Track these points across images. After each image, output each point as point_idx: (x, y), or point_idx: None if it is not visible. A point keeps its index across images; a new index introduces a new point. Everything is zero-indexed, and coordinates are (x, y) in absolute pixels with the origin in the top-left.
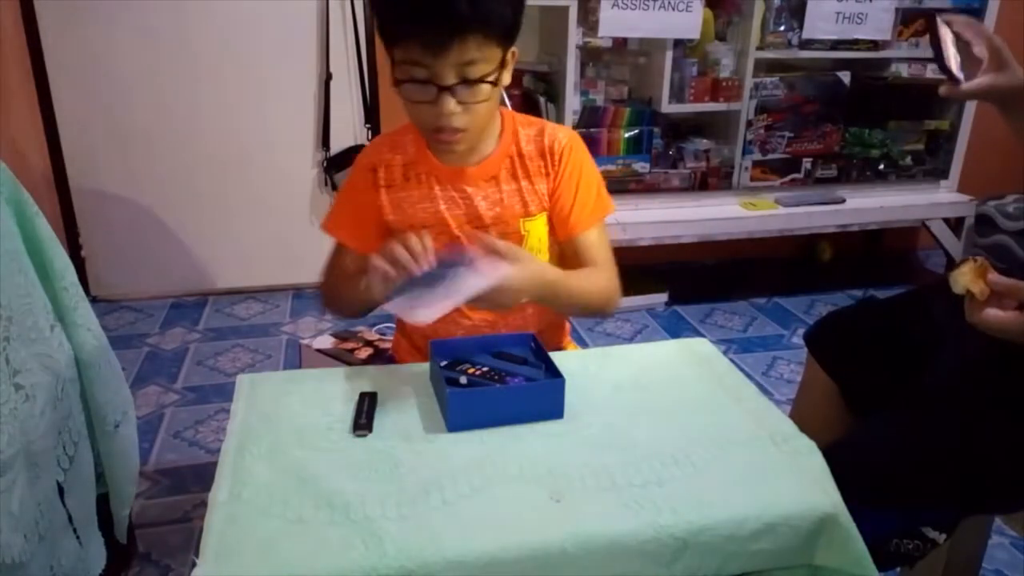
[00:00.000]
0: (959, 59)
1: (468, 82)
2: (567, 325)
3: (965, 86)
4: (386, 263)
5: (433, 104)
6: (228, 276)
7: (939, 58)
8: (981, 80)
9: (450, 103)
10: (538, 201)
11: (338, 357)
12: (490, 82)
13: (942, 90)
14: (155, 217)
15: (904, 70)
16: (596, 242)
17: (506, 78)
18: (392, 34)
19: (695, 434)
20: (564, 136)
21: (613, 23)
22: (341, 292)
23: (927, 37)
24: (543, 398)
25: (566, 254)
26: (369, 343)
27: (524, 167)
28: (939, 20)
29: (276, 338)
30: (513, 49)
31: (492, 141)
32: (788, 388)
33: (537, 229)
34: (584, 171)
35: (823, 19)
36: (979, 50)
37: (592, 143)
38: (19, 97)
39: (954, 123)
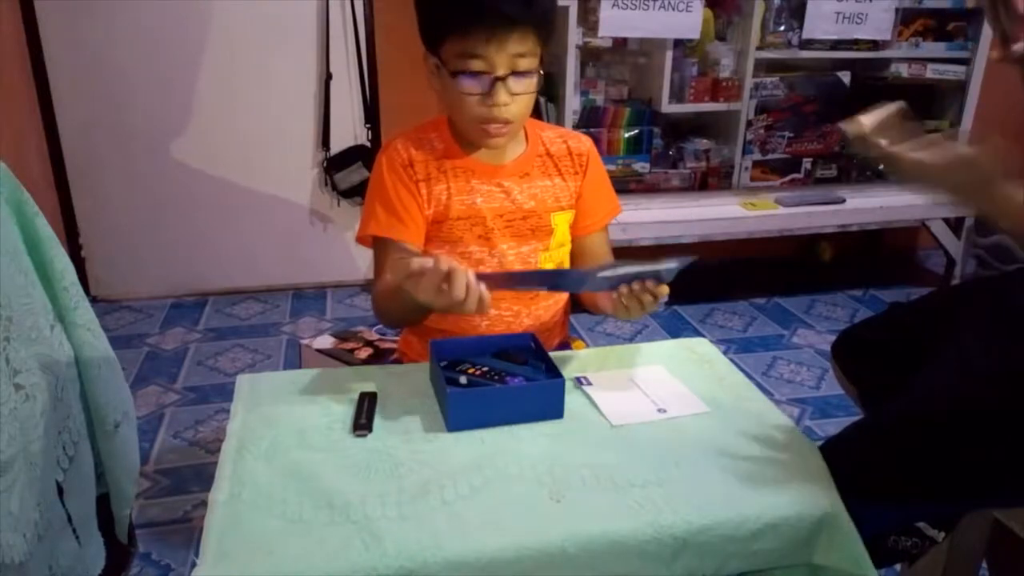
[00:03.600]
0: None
1: (518, 73)
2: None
3: (1016, 47)
4: (439, 276)
5: (486, 95)
6: (228, 276)
7: (991, 19)
8: None
9: (503, 93)
10: (568, 197)
11: (338, 357)
12: (537, 72)
13: (993, 54)
14: (155, 217)
15: (904, 70)
16: (606, 239)
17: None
18: (451, 26)
19: (695, 434)
20: (586, 141)
21: (613, 23)
22: (393, 302)
23: (927, 37)
24: (543, 398)
25: (573, 248)
26: (369, 343)
27: (555, 165)
28: None
29: (276, 338)
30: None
31: (521, 141)
32: (788, 388)
33: (564, 223)
34: (604, 176)
35: (823, 19)
36: None
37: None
38: (19, 97)
39: (954, 123)
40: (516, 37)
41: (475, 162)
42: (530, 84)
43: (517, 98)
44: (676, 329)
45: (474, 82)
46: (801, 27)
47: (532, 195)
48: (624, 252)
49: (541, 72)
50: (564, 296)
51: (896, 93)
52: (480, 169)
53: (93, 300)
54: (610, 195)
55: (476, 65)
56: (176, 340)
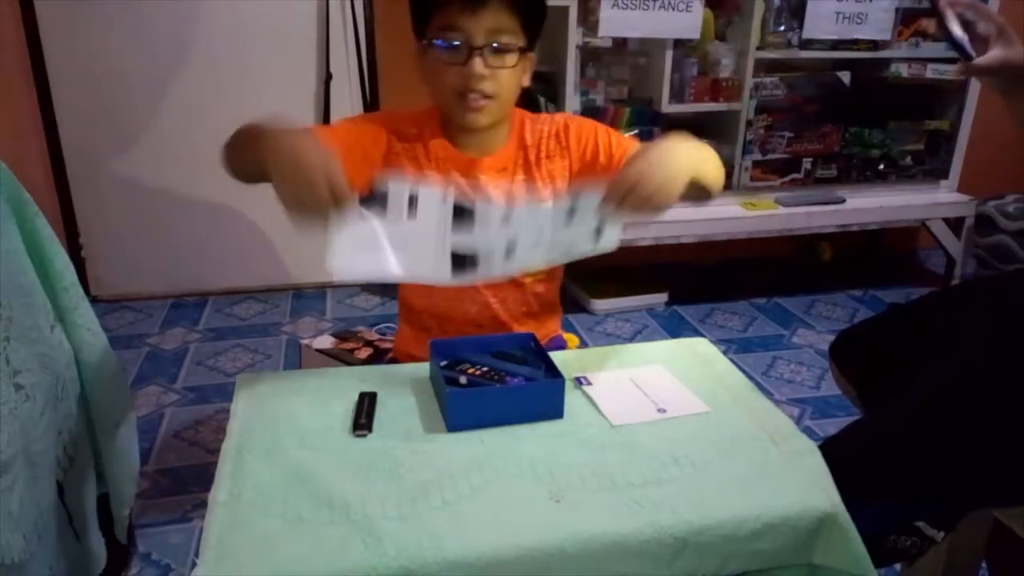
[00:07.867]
0: (967, 38)
1: (497, 49)
2: (559, 310)
3: (978, 61)
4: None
5: (462, 66)
6: (228, 276)
7: (949, 38)
8: (994, 54)
9: (479, 64)
10: (550, 185)
11: (338, 357)
12: (517, 49)
13: (957, 69)
14: (155, 217)
15: (904, 70)
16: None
17: (525, 79)
18: (434, 2)
19: (695, 434)
20: (563, 116)
21: (613, 23)
22: (248, 146)
23: (927, 37)
24: (543, 398)
25: None
26: (369, 343)
27: (537, 156)
28: (941, 3)
29: (276, 338)
30: (531, 54)
31: (504, 134)
32: (788, 388)
33: None
34: (593, 125)
35: (823, 19)
36: (984, 27)
37: None
38: (19, 97)
39: (954, 123)
40: (492, 10)
41: (456, 155)
42: (510, 60)
43: (497, 73)
44: (676, 329)
45: (452, 52)
46: (801, 27)
47: (507, 191)
48: (624, 252)
49: (529, 55)
50: (555, 286)
51: (896, 93)
52: (459, 162)
53: (93, 300)
54: (617, 137)
55: (453, 36)
56: (176, 340)
